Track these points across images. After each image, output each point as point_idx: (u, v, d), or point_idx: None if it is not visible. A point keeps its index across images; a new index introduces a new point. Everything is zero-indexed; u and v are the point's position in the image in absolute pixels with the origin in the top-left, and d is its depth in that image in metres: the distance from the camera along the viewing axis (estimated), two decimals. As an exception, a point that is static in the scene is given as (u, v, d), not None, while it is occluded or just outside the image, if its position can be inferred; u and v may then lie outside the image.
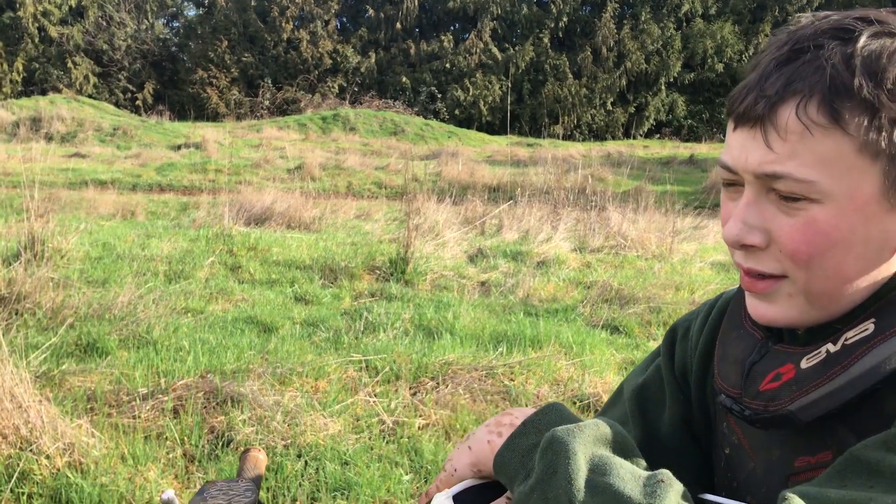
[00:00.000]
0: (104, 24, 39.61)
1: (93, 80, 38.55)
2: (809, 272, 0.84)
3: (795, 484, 0.85)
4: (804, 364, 0.85)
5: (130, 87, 39.58)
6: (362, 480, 3.20)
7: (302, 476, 3.29)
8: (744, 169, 0.84)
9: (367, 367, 4.51)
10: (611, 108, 41.62)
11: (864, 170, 0.80)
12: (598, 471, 0.79)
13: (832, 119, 0.78)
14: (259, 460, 1.31)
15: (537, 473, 0.82)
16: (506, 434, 0.92)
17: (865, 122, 0.78)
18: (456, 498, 0.93)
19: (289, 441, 3.49)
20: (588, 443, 0.83)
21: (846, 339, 0.84)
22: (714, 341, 1.06)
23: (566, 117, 40.67)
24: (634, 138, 40.16)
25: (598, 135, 41.02)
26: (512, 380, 4.40)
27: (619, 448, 0.86)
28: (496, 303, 6.36)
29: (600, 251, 9.06)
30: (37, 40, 37.84)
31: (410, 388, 4.24)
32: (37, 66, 37.83)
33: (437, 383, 4.28)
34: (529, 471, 0.85)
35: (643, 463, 0.86)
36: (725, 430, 1.03)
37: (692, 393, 1.10)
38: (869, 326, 0.83)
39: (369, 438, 3.62)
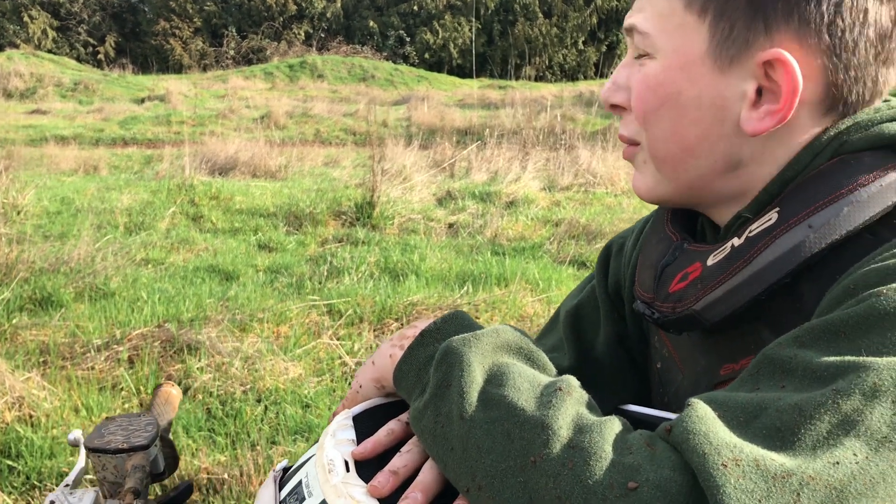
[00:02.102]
0: (60, -25, 38.44)
1: (51, 34, 37.52)
2: (649, 133, 0.83)
3: None
4: (710, 261, 0.79)
5: (91, 40, 38.58)
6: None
7: (262, 421, 3.24)
8: (627, 25, 0.85)
9: (330, 311, 4.44)
10: (582, 48, 41.21)
11: (692, 27, 0.78)
12: (494, 381, 0.72)
13: None
14: (172, 395, 1.23)
15: (431, 387, 0.75)
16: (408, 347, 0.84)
17: None
18: (357, 418, 0.86)
19: (248, 386, 3.43)
20: (487, 352, 0.75)
21: (750, 232, 0.77)
22: None
23: (538, 58, 40.23)
24: (607, 77, 39.86)
25: (570, 75, 40.67)
26: (477, 318, 4.35)
27: (524, 354, 0.78)
28: (464, 244, 6.29)
29: (569, 189, 9.00)
30: (-10, -6, 36.68)
31: (374, 330, 4.19)
32: (-8, 21, 36.74)
33: (402, 324, 4.23)
34: (425, 385, 0.77)
35: (551, 367, 0.79)
36: (657, 343, 0.98)
37: (626, 309, 1.04)
38: (773, 216, 0.76)
39: (331, 381, 3.57)
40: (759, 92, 0.76)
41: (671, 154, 0.82)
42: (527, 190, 8.41)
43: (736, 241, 0.77)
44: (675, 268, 0.83)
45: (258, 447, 3.05)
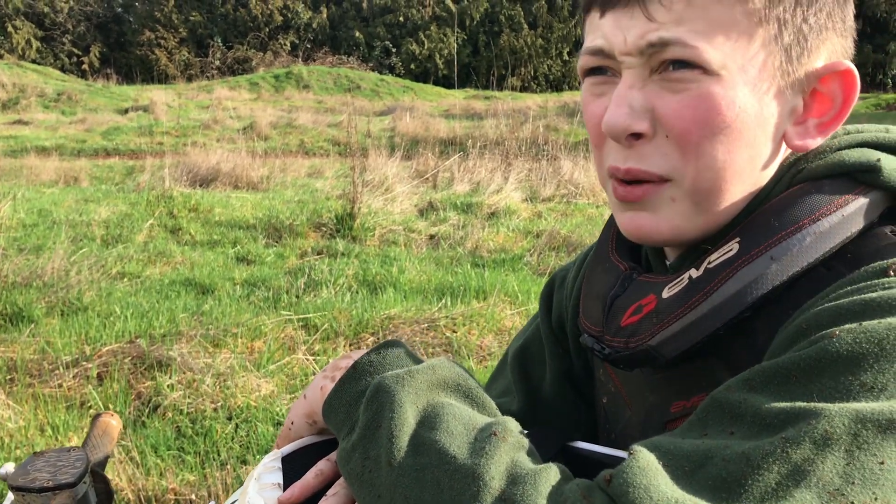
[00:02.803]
0: (44, -15, 38.31)
1: (35, 44, 37.35)
2: (699, 162, 0.72)
3: None
4: (666, 293, 0.74)
5: (76, 50, 38.43)
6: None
7: (232, 439, 3.18)
8: (623, 49, 0.73)
9: (306, 325, 4.39)
10: (567, 58, 41.38)
11: (756, 38, 0.71)
12: (426, 424, 0.67)
13: None
14: (111, 426, 1.18)
15: (360, 427, 0.71)
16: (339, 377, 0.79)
17: None
18: (287, 459, 0.82)
19: (219, 404, 3.38)
20: (421, 390, 0.71)
21: (709, 263, 0.73)
22: None
23: (523, 68, 40.36)
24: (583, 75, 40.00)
25: (555, 85, 40.81)
26: (454, 331, 4.32)
27: (462, 391, 0.74)
28: (444, 255, 6.25)
29: (551, 200, 8.99)
30: (-27, 4, 36.50)
31: (350, 345, 4.14)
32: (-25, 31, 36.54)
33: (378, 338, 4.18)
34: (354, 423, 0.73)
35: (490, 405, 0.75)
36: (602, 377, 0.93)
37: (570, 343, 1.00)
38: (733, 247, 0.72)
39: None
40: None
41: (717, 184, 0.74)
42: (509, 201, 8.39)
43: (694, 273, 0.73)
44: (626, 300, 0.79)
45: (228, 466, 2.99)
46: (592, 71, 0.78)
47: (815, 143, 0.75)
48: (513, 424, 0.68)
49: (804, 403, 0.57)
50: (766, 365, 0.62)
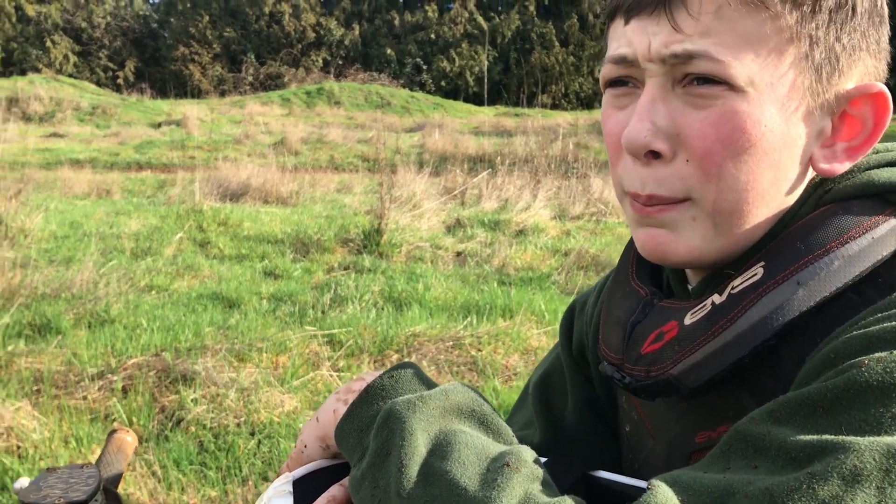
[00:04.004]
0: (82, 2, 39.03)
1: (73, 59, 38.05)
2: (721, 183, 0.69)
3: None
4: (688, 320, 0.71)
5: (111, 65, 39.09)
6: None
7: (254, 455, 3.16)
8: (647, 55, 0.70)
9: (331, 341, 4.37)
10: (598, 76, 41.34)
11: (787, 55, 0.68)
12: (437, 453, 0.65)
13: None
14: (125, 443, 1.16)
15: (370, 454, 0.68)
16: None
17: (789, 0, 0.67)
18: (298, 483, 0.79)
19: (241, 419, 3.37)
20: (433, 417, 0.68)
21: (733, 288, 0.69)
22: None
23: (553, 86, 40.37)
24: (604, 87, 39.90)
25: (586, 103, 40.74)
26: (479, 350, 4.28)
27: (476, 417, 0.71)
28: (471, 273, 6.22)
29: (580, 218, 8.93)
30: (14, 20, 37.28)
31: (374, 362, 4.12)
32: (15, 45, 37.29)
33: (402, 356, 4.16)
34: (365, 450, 0.70)
35: (506, 431, 0.72)
36: (625, 405, 0.90)
37: (592, 370, 0.96)
38: (758, 271, 0.69)
39: (327, 414, 3.50)
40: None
41: (739, 206, 0.71)
42: (537, 219, 8.35)
43: (717, 299, 0.70)
44: (646, 326, 0.76)
45: (250, 482, 2.98)
46: (615, 82, 0.75)
47: (842, 167, 0.71)
48: (527, 454, 0.65)
49: (832, 437, 0.54)
50: (791, 395, 0.59)
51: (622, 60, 0.73)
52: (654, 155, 0.71)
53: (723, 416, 0.72)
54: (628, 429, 0.89)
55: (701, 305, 0.71)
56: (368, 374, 0.80)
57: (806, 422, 0.57)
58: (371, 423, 0.72)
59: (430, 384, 0.76)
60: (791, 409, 0.58)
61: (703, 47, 0.67)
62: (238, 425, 3.33)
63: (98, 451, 3.06)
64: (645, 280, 0.83)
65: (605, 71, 0.76)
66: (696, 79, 0.68)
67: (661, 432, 0.81)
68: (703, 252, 0.73)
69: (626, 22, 0.73)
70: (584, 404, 0.96)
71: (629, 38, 0.72)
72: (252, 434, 3.29)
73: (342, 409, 0.76)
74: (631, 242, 0.88)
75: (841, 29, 0.69)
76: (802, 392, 0.58)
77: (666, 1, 0.69)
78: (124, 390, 3.57)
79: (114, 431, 1.20)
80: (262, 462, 3.12)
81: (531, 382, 1.04)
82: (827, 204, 0.71)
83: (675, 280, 0.82)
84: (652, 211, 0.72)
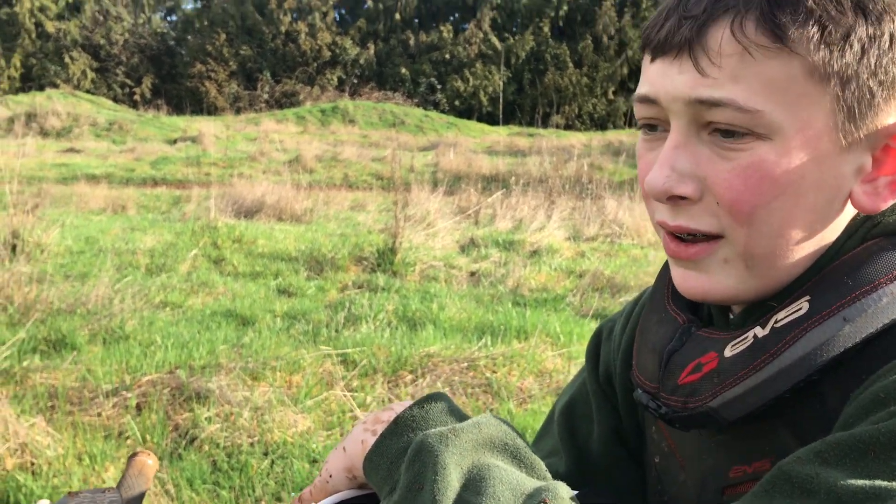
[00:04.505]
0: (101, 18, 39.47)
1: (90, 75, 38.44)
2: (751, 229, 0.68)
3: (732, 499, 0.70)
4: (728, 352, 0.69)
5: (128, 81, 39.45)
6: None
7: (267, 475, 3.14)
8: (670, 97, 0.69)
9: (345, 360, 4.36)
10: (612, 98, 41.37)
11: (816, 96, 0.65)
12: (471, 487, 0.63)
13: (776, 36, 0.64)
14: (147, 466, 1.15)
15: (402, 487, 0.67)
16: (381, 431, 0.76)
17: (815, 38, 0.64)
18: None
19: (255, 438, 3.35)
20: (466, 450, 0.67)
21: (776, 322, 0.67)
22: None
23: (567, 107, 40.44)
24: (637, 127, 39.93)
25: (599, 124, 40.78)
26: (494, 372, 4.25)
27: (508, 451, 0.70)
28: (485, 293, 6.20)
29: (595, 239, 8.90)
30: (34, 36, 37.71)
31: (388, 382, 4.09)
32: (34, 61, 37.71)
33: (416, 376, 4.13)
34: (395, 482, 0.69)
35: (539, 466, 0.71)
36: (654, 435, 0.88)
37: (619, 397, 0.94)
38: (803, 305, 0.67)
39: (340, 435, 3.47)
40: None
41: (772, 249, 0.69)
42: (551, 239, 8.33)
43: (759, 332, 0.68)
44: (684, 356, 0.74)
45: (262, 503, 2.96)
46: (646, 125, 0.75)
47: (886, 204, 0.69)
48: (564, 491, 0.64)
49: (885, 482, 0.52)
50: (840, 437, 0.57)
51: (646, 99, 0.72)
52: (681, 198, 0.70)
53: (759, 451, 0.70)
54: (657, 460, 0.87)
55: (742, 337, 0.69)
56: (397, 404, 0.79)
57: (856, 465, 0.55)
58: (401, 455, 0.70)
59: (461, 416, 0.74)
60: (841, 452, 0.56)
61: (728, 95, 0.65)
62: (251, 445, 3.31)
63: (112, 469, 3.05)
64: (682, 305, 0.81)
65: (635, 109, 0.75)
66: (717, 129, 0.67)
67: (692, 465, 0.80)
68: (740, 291, 0.71)
69: (653, 60, 0.71)
70: (611, 433, 0.94)
71: (654, 78, 0.71)
72: (265, 454, 3.27)
73: (370, 440, 0.75)
74: (667, 265, 0.86)
75: (876, 63, 0.66)
76: (853, 434, 0.56)
77: (689, 44, 0.67)
78: (138, 407, 3.57)
79: (135, 454, 1.19)
80: (276, 482, 3.10)
81: (556, 409, 1.02)
82: (875, 238, 0.69)
83: (717, 308, 0.80)
84: (684, 249, 0.72)
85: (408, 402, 0.79)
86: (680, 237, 0.72)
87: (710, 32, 0.66)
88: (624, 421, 0.94)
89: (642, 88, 0.72)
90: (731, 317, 0.78)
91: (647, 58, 0.73)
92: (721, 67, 0.65)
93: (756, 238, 0.68)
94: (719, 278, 0.71)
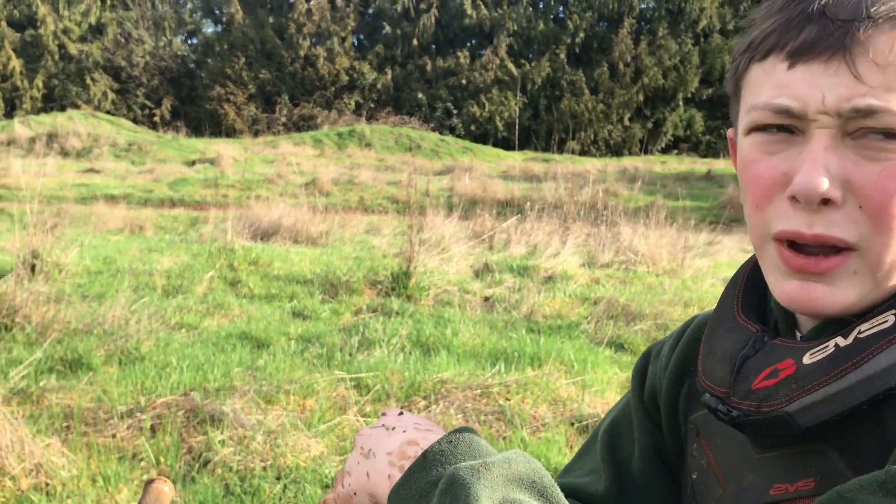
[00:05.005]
0: (123, 41, 39.97)
1: (111, 96, 38.88)
2: (891, 237, 0.68)
3: None
4: (807, 359, 0.70)
5: (148, 103, 39.86)
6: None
7: (280, 500, 3.14)
8: (820, 108, 0.67)
9: (359, 385, 4.36)
10: (628, 124, 41.39)
11: None
12: None
13: None
14: (163, 493, 1.16)
15: None
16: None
17: None
18: None
19: (268, 462, 3.35)
20: (497, 485, 0.68)
21: (860, 332, 0.68)
22: (687, 359, 0.93)
23: (583, 133, 40.49)
24: (652, 154, 39.92)
25: (615, 150, 40.79)
26: (508, 399, 4.24)
27: (537, 489, 0.71)
28: (499, 319, 6.20)
29: (609, 266, 8.88)
30: (57, 57, 38.22)
31: (402, 408, 4.09)
32: (56, 82, 38.19)
33: (430, 402, 4.13)
34: None
35: None
36: (695, 451, 0.89)
37: (662, 416, 0.97)
38: (888, 318, 0.68)
39: (353, 460, 3.47)
40: None
41: None
42: (566, 265, 8.32)
43: (841, 341, 0.69)
44: (759, 362, 0.74)
45: (274, 528, 2.96)
46: (765, 127, 0.72)
47: None
48: None
49: None
50: None
51: (785, 112, 0.70)
52: (824, 201, 0.69)
53: (804, 471, 0.71)
54: (695, 476, 0.88)
55: (822, 346, 0.70)
56: (422, 438, 0.80)
57: None
58: (431, 489, 0.71)
59: (489, 451, 0.75)
60: None
61: (887, 104, 0.65)
62: (264, 469, 3.32)
63: (125, 491, 3.06)
64: (752, 316, 0.82)
65: (757, 117, 0.72)
66: (871, 131, 0.67)
67: (732, 481, 0.80)
68: (854, 306, 0.71)
69: (791, 66, 0.69)
70: (651, 450, 0.96)
71: (796, 88, 0.69)
72: (278, 478, 3.27)
73: (397, 475, 0.76)
74: (734, 280, 0.88)
75: None
76: None
77: (845, 46, 0.66)
78: (153, 429, 3.58)
79: (151, 481, 1.20)
80: (288, 507, 3.10)
81: (600, 429, 1.04)
82: None
83: (784, 321, 0.81)
84: (809, 264, 0.70)
85: (422, 420, 0.80)
86: (808, 250, 0.71)
87: (875, 37, 0.66)
88: (666, 438, 0.96)
89: (779, 100, 0.70)
90: (800, 332, 0.79)
91: (774, 64, 0.71)
92: (884, 73, 0.65)
93: (890, 248, 0.69)
94: (846, 292, 0.70)
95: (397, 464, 0.78)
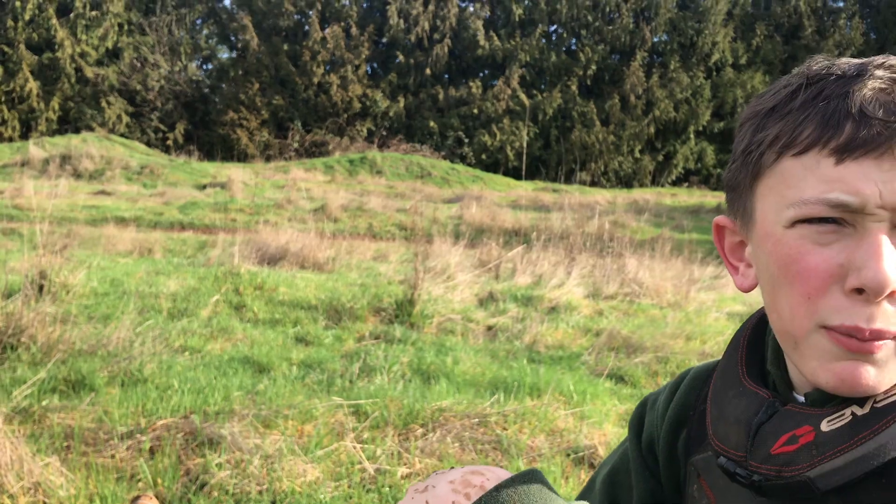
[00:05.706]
0: (139, 65, 40.46)
1: (125, 119, 39.29)
2: None
3: None
4: (825, 426, 0.75)
5: (162, 126, 40.25)
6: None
7: (274, 524, 3.16)
8: (878, 203, 0.69)
9: (357, 411, 4.39)
10: (638, 156, 41.52)
11: None
12: None
13: None
14: (147, 512, 1.20)
15: None
16: (474, 497, 0.77)
17: None
18: None
19: (264, 486, 3.38)
20: None
21: (875, 402, 0.74)
22: (686, 409, 0.98)
23: (593, 164, 40.64)
24: (662, 186, 39.99)
25: (625, 182, 40.90)
26: (505, 429, 4.26)
27: None
28: (501, 348, 6.22)
29: (614, 298, 8.90)
30: (73, 80, 38.70)
31: (399, 435, 4.11)
32: (72, 105, 38.65)
33: (427, 430, 4.15)
34: None
35: None
36: (695, 492, 0.93)
37: (660, 463, 1.01)
38: None
39: (349, 486, 3.50)
40: None
41: None
42: (570, 296, 8.35)
43: (858, 410, 0.74)
44: (776, 427, 0.79)
45: (267, 552, 2.98)
46: (810, 219, 0.73)
47: None
48: None
49: None
50: None
51: (842, 206, 0.71)
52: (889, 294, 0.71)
53: None
54: None
55: (839, 414, 0.75)
56: (487, 469, 0.81)
57: None
58: None
59: (552, 493, 0.76)
60: None
61: None
62: (260, 493, 3.34)
63: (121, 512, 3.09)
64: (759, 381, 0.86)
65: (808, 211, 0.73)
66: None
67: None
68: (889, 383, 0.74)
69: (839, 162, 0.71)
70: (650, 498, 1.00)
71: (851, 184, 0.70)
72: (273, 503, 3.30)
73: (463, 501, 0.76)
74: (735, 345, 0.93)
75: None
76: None
77: (893, 145, 0.69)
78: (151, 451, 3.61)
79: (137, 497, 1.24)
80: (282, 532, 3.12)
81: (597, 479, 1.08)
82: None
83: (783, 384, 0.85)
84: (869, 346, 0.72)
85: (499, 470, 0.81)
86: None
87: None
88: (664, 485, 1.00)
89: (833, 195, 0.71)
90: (798, 393, 0.83)
91: (818, 160, 0.73)
92: None
93: None
94: (889, 372, 0.73)
95: (462, 491, 0.78)
